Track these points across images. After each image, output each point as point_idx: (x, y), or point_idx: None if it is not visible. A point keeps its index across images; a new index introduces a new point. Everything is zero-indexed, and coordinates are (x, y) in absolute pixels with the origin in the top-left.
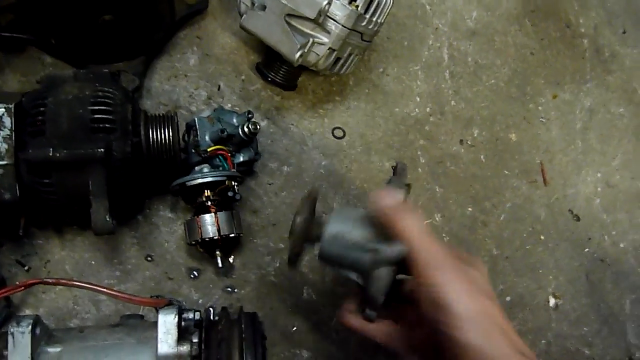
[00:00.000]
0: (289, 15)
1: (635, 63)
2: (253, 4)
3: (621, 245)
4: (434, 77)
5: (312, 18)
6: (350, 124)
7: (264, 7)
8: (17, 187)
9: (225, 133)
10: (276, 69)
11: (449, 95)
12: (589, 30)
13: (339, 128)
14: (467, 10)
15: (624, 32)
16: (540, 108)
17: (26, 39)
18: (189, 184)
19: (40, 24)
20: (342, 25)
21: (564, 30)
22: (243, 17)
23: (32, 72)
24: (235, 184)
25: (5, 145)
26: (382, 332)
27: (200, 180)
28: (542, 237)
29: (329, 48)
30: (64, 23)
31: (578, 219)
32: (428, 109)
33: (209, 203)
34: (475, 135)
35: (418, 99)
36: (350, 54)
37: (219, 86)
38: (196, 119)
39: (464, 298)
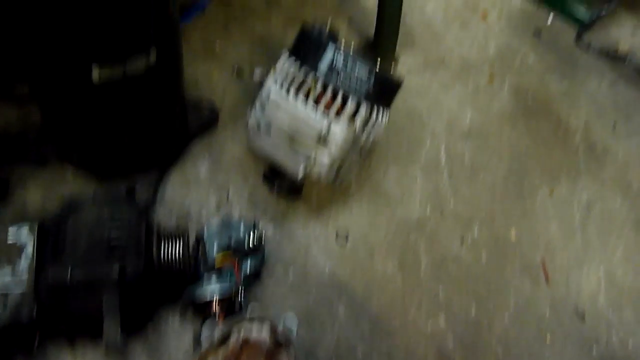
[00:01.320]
0: (292, 137)
1: (627, 157)
2: (260, 123)
3: (630, 346)
4: (433, 178)
5: (315, 141)
6: (353, 228)
7: (270, 129)
8: (35, 309)
9: (232, 246)
10: (281, 179)
11: (448, 195)
12: (580, 127)
13: (342, 232)
14: (461, 113)
15: (615, 127)
16: (537, 204)
17: (50, 153)
18: (197, 300)
19: (65, 142)
20: (342, 143)
21: (556, 127)
22: (250, 137)
23: (54, 185)
24: (242, 293)
25: (26, 269)
26: None
27: (208, 298)
28: (548, 339)
29: (330, 164)
30: (87, 143)
31: (583, 318)
32: (428, 210)
33: (217, 313)
34: (476, 234)
35: (418, 200)
36: (350, 167)
37: (228, 194)
38: (205, 230)
39: None
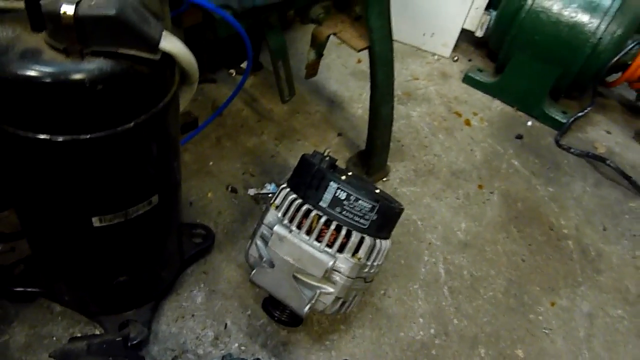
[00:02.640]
0: (297, 272)
1: (621, 260)
2: (261, 258)
3: None
4: (433, 295)
5: (320, 277)
6: (357, 355)
7: (272, 265)
8: None
9: None
10: (282, 309)
11: (451, 312)
12: (571, 231)
13: None
14: (455, 222)
15: (605, 229)
16: (541, 318)
17: (38, 292)
18: None
19: (56, 281)
20: (347, 277)
21: (549, 233)
22: (252, 273)
23: (40, 322)
24: None
25: None
26: None
27: None
28: None
29: (336, 297)
30: (80, 283)
31: None
32: (432, 330)
33: None
34: (483, 355)
35: (421, 320)
36: (355, 296)
37: (226, 324)
38: None
39: None
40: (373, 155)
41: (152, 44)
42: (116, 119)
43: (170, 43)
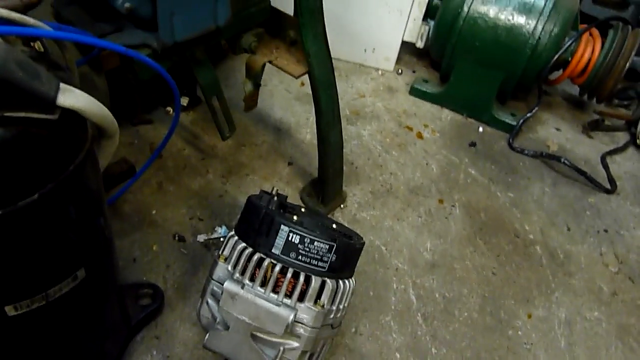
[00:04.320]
0: (255, 331)
1: (590, 259)
2: (214, 318)
3: None
4: (407, 325)
5: (281, 333)
6: None
7: (227, 326)
8: None
9: None
10: None
11: (428, 342)
12: (537, 236)
13: None
14: (420, 242)
15: (569, 229)
16: (520, 333)
17: None
18: None
19: None
20: (312, 327)
21: (515, 241)
22: (206, 338)
23: None
24: None
25: None
26: None
27: None
28: None
29: (302, 351)
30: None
31: None
32: None
33: None
34: None
35: (398, 355)
36: (323, 346)
37: None
38: None
39: None
40: (327, 184)
41: (47, 102)
42: (15, 193)
43: (72, 98)
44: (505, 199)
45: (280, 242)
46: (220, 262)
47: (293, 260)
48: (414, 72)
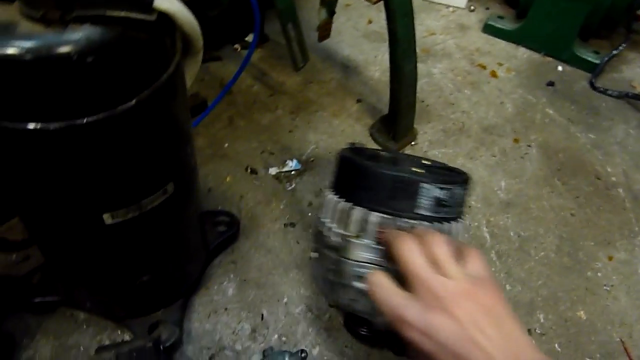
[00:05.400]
0: None
1: None
2: (332, 278)
3: None
4: None
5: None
6: None
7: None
8: None
9: None
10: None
11: (502, 279)
12: (620, 178)
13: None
14: (494, 181)
15: None
16: (599, 274)
17: (58, 301)
18: None
19: (74, 288)
20: None
21: (596, 182)
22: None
23: (65, 332)
24: None
25: None
26: None
27: None
28: None
29: None
30: (100, 286)
31: None
32: None
33: None
34: (542, 321)
35: None
36: None
37: (262, 315)
38: None
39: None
40: (399, 118)
41: (146, 3)
42: (114, 98)
43: (167, 1)
44: (585, 140)
45: (424, 202)
46: (354, 240)
47: (444, 215)
48: (487, 9)
